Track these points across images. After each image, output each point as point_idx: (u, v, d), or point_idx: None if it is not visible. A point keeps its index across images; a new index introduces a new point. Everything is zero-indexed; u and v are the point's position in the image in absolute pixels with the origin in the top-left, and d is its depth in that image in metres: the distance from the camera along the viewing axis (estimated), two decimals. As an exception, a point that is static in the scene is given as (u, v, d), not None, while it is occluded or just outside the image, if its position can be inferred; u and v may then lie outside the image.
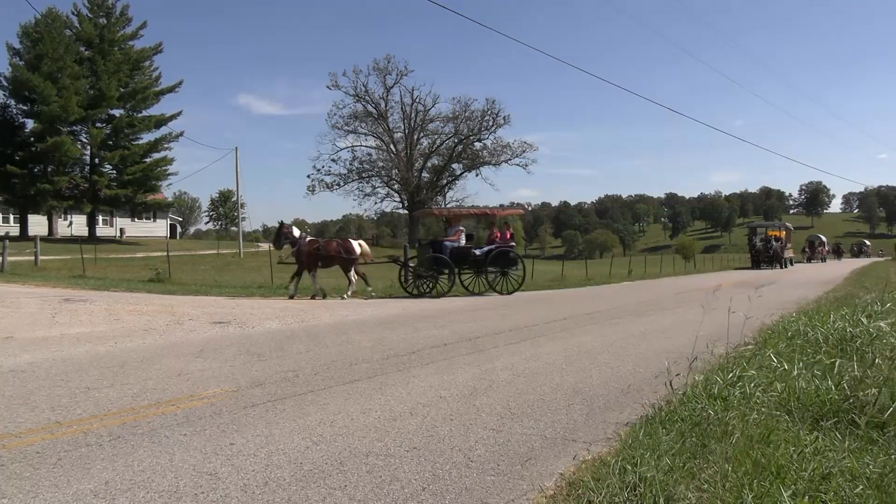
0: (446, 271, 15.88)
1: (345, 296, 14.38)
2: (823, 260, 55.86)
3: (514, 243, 16.96)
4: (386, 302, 14.91)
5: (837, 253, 64.68)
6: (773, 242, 39.41)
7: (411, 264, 16.11)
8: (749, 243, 42.93)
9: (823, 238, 63.01)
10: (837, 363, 5.43)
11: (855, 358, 5.63)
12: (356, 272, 14.99)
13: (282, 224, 15.43)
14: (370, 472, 3.62)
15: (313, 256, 14.40)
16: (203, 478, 3.49)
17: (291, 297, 14.17)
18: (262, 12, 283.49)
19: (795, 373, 5.20)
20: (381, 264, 18.13)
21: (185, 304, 12.53)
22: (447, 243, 16.08)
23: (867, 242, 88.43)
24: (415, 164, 60.99)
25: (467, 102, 59.83)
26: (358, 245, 14.94)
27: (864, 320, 7.51)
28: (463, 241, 16.31)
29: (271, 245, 16.04)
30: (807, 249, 56.00)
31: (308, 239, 14.80)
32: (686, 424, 4.18)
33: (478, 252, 16.31)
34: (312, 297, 14.21)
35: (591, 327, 10.28)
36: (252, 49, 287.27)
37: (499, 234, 16.95)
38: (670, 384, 4.93)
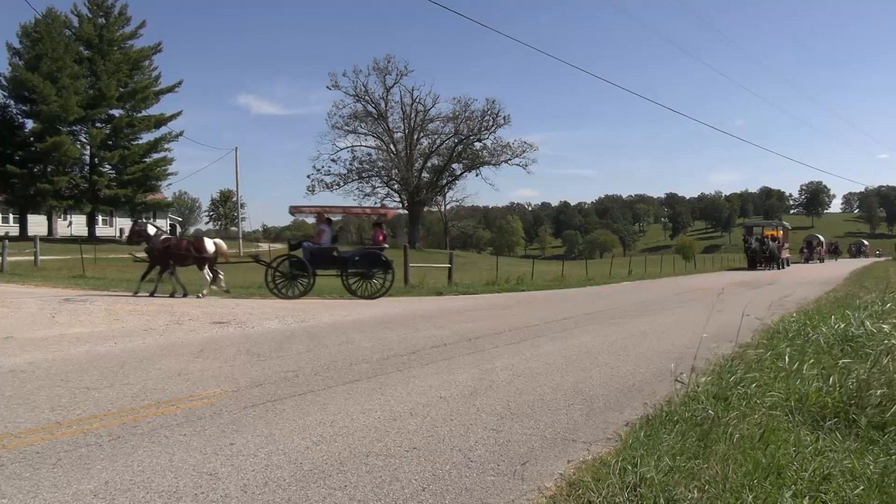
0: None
1: (200, 294, 14.23)
2: (821, 260, 55.12)
3: (386, 245, 16.03)
4: (385, 302, 14.90)
5: (834, 253, 64.26)
6: (770, 242, 38.37)
7: (274, 264, 15.23)
8: (744, 243, 41.56)
9: (822, 238, 62.44)
10: (839, 364, 5.43)
11: (857, 358, 5.63)
12: (212, 270, 14.83)
13: (135, 222, 15.47)
14: (370, 472, 3.61)
15: (164, 255, 14.38)
16: (203, 478, 3.49)
17: (157, 294, 14.03)
18: (262, 12, 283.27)
19: (796, 373, 5.20)
20: (246, 263, 17.69)
21: (185, 304, 12.52)
22: (306, 244, 15.62)
23: (865, 242, 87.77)
24: (415, 164, 61.07)
25: (467, 102, 60.03)
26: (212, 244, 14.82)
27: (867, 322, 7.50)
28: (326, 241, 15.56)
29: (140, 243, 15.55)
30: (805, 249, 55.48)
31: (162, 237, 14.73)
32: (687, 424, 4.18)
33: (343, 253, 15.67)
34: (151, 294, 13.99)
35: (591, 327, 10.27)
36: (252, 49, 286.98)
37: (381, 235, 16.20)
38: (678, 381, 4.93)
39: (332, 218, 17.17)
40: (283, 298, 14.36)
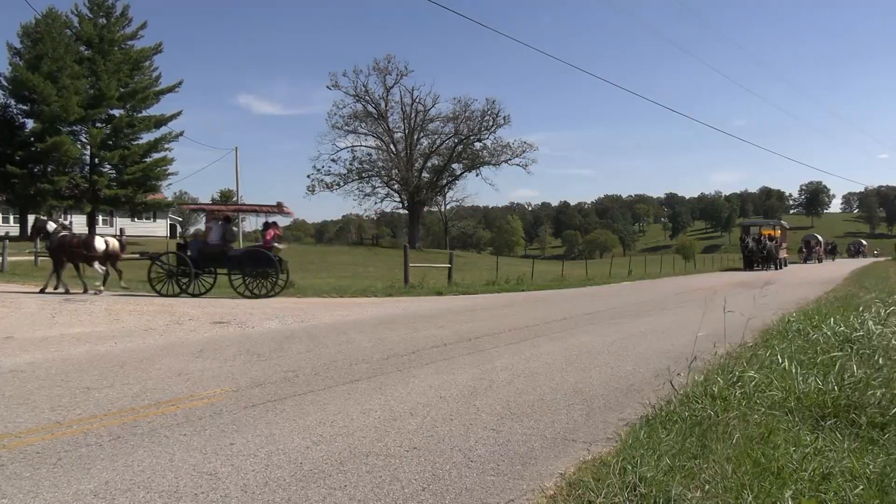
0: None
1: (98, 290, 14.39)
2: (820, 260, 54.63)
3: (276, 244, 15.49)
4: (386, 302, 14.91)
5: (832, 253, 63.83)
6: (767, 242, 37.51)
7: (164, 260, 15.18)
8: (741, 242, 40.25)
9: (820, 238, 62.02)
10: (838, 364, 5.43)
11: (856, 359, 5.63)
12: (113, 268, 15.18)
13: (37, 219, 15.68)
14: (370, 472, 3.61)
15: (58, 251, 14.57)
16: (203, 478, 3.49)
17: (49, 290, 14.14)
18: (262, 12, 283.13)
19: (796, 373, 5.20)
20: (137, 261, 17.63)
21: (185, 304, 12.53)
22: (193, 242, 15.55)
23: (863, 242, 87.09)
24: (415, 164, 61.01)
25: (467, 102, 59.89)
26: (103, 242, 14.96)
27: (870, 322, 7.49)
28: (214, 240, 15.28)
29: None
30: (803, 249, 55.14)
31: (61, 234, 14.90)
32: (686, 424, 4.18)
33: (232, 252, 15.40)
34: (55, 290, 14.16)
35: (591, 327, 10.27)
36: (252, 49, 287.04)
37: (271, 234, 15.82)
38: (671, 384, 4.93)
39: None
40: (163, 296, 14.24)
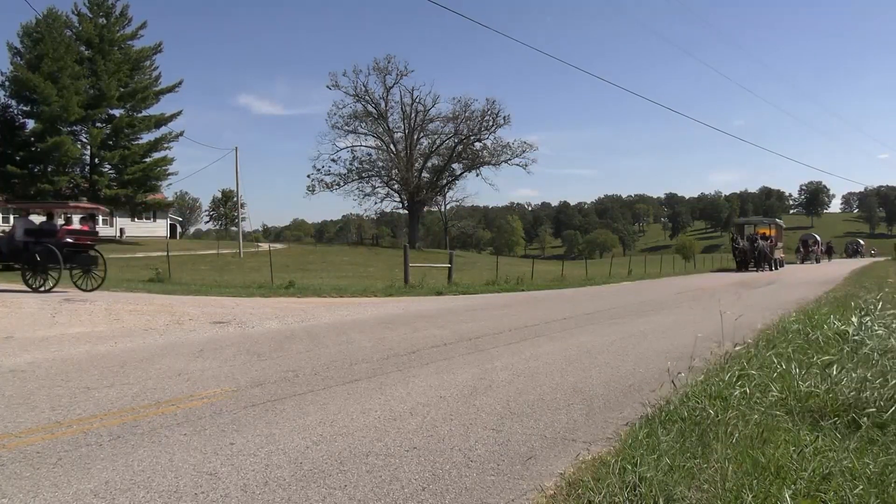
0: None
1: None
2: (817, 261, 53.84)
3: (69, 239, 15.33)
4: (386, 301, 14.91)
5: (828, 253, 63.36)
6: (760, 241, 35.79)
7: None
8: (732, 242, 37.80)
9: (818, 237, 61.44)
10: (838, 363, 5.44)
11: (856, 358, 5.64)
12: None
13: None
14: (370, 472, 3.62)
15: None
16: (203, 478, 3.49)
17: None
18: (262, 12, 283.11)
19: (795, 373, 5.20)
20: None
21: (185, 304, 12.53)
22: (2, 239, 15.68)
23: (861, 242, 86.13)
24: (415, 164, 61.09)
25: (467, 102, 60.05)
26: None
27: (868, 322, 7.50)
28: (19, 235, 15.33)
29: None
30: (800, 249, 54.55)
31: None
32: (686, 424, 4.18)
33: (34, 247, 15.13)
34: None
35: (591, 327, 10.27)
36: (252, 49, 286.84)
37: (62, 231, 15.76)
38: (672, 383, 4.93)
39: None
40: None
